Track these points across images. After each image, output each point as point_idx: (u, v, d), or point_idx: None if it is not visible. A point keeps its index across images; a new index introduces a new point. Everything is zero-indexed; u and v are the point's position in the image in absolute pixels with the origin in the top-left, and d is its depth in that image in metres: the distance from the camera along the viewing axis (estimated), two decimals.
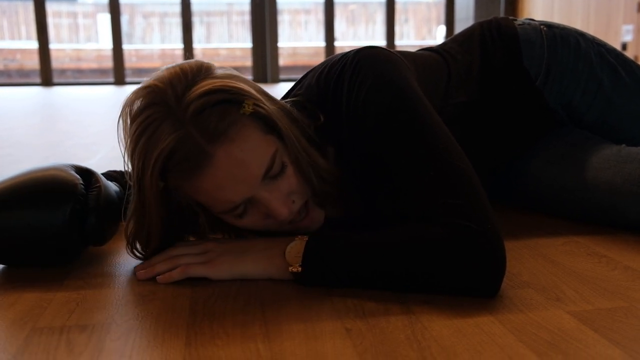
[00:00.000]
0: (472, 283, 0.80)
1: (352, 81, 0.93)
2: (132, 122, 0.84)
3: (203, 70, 0.86)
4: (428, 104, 0.92)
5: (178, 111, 0.81)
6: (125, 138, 0.86)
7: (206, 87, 0.82)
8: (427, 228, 0.81)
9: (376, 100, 0.90)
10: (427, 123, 0.88)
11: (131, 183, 0.88)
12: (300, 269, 0.84)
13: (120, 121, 0.87)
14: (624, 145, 1.14)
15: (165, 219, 0.87)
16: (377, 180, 0.94)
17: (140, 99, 0.84)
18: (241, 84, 0.85)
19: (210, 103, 0.81)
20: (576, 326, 0.73)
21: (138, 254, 0.93)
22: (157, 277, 0.89)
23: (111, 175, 1.21)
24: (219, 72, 0.87)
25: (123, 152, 0.88)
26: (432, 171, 0.84)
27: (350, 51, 0.97)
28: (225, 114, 0.81)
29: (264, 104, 0.86)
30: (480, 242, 0.79)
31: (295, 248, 0.85)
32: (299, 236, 0.86)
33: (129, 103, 0.86)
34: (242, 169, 0.82)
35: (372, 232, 0.84)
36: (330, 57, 1.03)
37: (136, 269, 0.92)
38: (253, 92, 0.86)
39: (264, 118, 0.85)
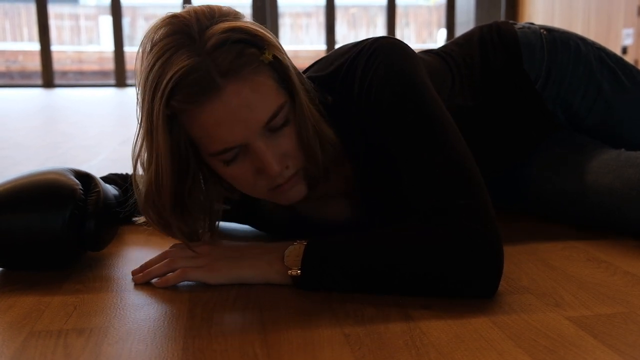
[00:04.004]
0: (471, 283, 0.81)
1: (367, 67, 0.92)
2: (151, 49, 0.83)
3: (232, 13, 0.85)
4: (440, 101, 0.92)
5: (198, 42, 0.80)
6: (141, 64, 0.85)
7: (231, 25, 0.81)
8: (428, 229, 0.81)
9: (390, 89, 0.89)
10: (437, 119, 0.89)
11: (139, 116, 0.85)
12: (299, 272, 0.84)
13: (140, 48, 0.85)
14: (623, 149, 1.14)
15: (173, 155, 0.85)
16: (383, 173, 0.94)
17: (164, 28, 0.83)
18: (267, 33, 0.85)
19: (231, 39, 0.80)
20: (575, 332, 0.73)
21: (154, 218, 0.89)
22: (154, 280, 0.89)
23: (111, 178, 1.21)
24: (249, 20, 0.87)
25: (136, 82, 0.86)
26: (438, 168, 0.84)
27: (368, 38, 0.96)
28: (244, 54, 0.80)
29: (284, 57, 0.86)
30: (481, 243, 0.80)
31: (294, 252, 0.85)
32: (298, 240, 0.86)
33: (153, 30, 0.84)
34: (247, 110, 0.81)
35: (373, 234, 0.84)
36: (339, 47, 1.02)
37: (133, 272, 0.92)
38: (276, 43, 0.85)
39: (281, 70, 0.85)
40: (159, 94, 0.80)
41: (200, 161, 0.90)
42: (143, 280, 0.90)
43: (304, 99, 0.88)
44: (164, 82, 0.80)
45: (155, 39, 0.83)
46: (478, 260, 0.80)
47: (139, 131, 0.86)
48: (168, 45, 0.81)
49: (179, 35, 0.81)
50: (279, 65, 0.84)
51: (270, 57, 0.83)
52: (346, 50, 0.97)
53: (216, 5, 0.86)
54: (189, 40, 0.80)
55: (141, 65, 0.84)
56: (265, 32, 0.85)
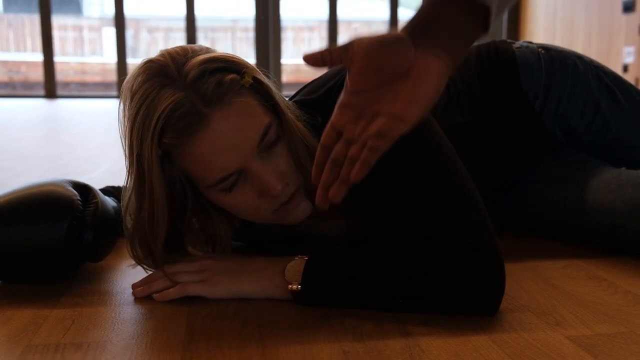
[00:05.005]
0: (473, 298, 0.81)
1: None
2: (132, 98, 0.84)
3: (204, 49, 0.87)
4: (434, 120, 0.92)
5: (178, 79, 0.82)
6: (124, 116, 0.86)
7: (206, 57, 0.83)
8: (432, 246, 0.82)
9: None
10: (433, 137, 0.89)
11: (128, 167, 0.86)
12: (299, 287, 0.83)
13: (121, 101, 0.87)
14: (623, 168, 1.13)
15: (169, 196, 0.85)
16: (378, 190, 0.94)
17: (142, 75, 0.84)
18: (243, 59, 0.87)
19: (210, 70, 0.82)
20: (575, 351, 0.72)
21: (143, 257, 0.90)
22: (154, 295, 0.89)
23: (108, 191, 1.21)
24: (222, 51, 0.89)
25: (121, 134, 0.87)
26: (435, 185, 0.85)
27: None
28: (225, 81, 0.82)
29: (264, 78, 0.88)
30: (482, 258, 0.80)
31: (295, 267, 0.85)
32: (299, 255, 0.86)
33: (132, 79, 0.85)
34: (238, 133, 0.82)
35: (373, 250, 0.84)
36: (330, 69, 1.03)
37: (133, 286, 0.92)
38: (254, 66, 0.87)
39: (262, 91, 0.87)
40: (148, 137, 0.81)
41: (199, 195, 0.90)
42: (143, 294, 0.89)
43: (289, 115, 0.89)
44: (152, 123, 0.81)
45: (134, 88, 0.84)
46: (480, 275, 0.80)
47: (129, 180, 0.87)
48: (149, 90, 0.82)
49: (158, 78, 0.83)
50: (260, 86, 0.86)
51: (250, 79, 0.85)
52: (337, 72, 0.98)
53: (187, 45, 0.88)
54: (169, 79, 0.82)
55: (124, 117, 0.86)
56: (240, 59, 0.87)
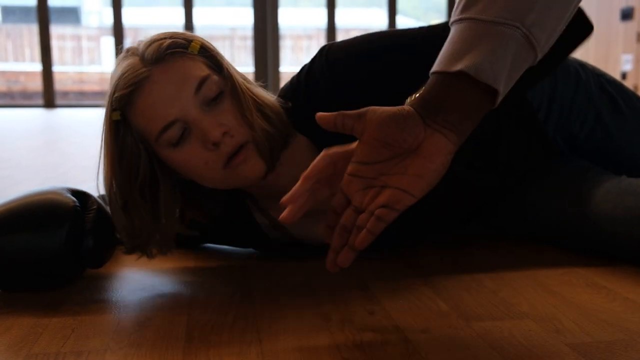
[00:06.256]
0: None
1: (329, 64, 0.98)
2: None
3: None
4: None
5: (136, 52, 0.93)
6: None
7: (160, 33, 0.95)
8: None
9: (362, 67, 0.96)
10: None
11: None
12: None
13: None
14: (624, 176, 1.14)
15: (119, 147, 0.93)
16: None
17: (118, 61, 0.95)
18: (195, 35, 0.96)
19: (157, 39, 0.93)
20: (575, 359, 0.72)
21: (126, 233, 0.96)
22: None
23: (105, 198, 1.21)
24: None
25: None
26: None
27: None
28: (169, 44, 0.91)
29: (213, 48, 0.96)
30: None
31: None
32: None
33: (115, 67, 0.96)
34: (175, 85, 0.89)
35: None
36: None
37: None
38: (204, 39, 0.96)
39: (210, 56, 0.94)
40: (108, 103, 0.92)
41: (153, 158, 0.94)
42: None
43: (236, 75, 0.96)
44: (112, 86, 0.92)
45: (114, 74, 0.94)
46: None
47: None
48: (117, 66, 0.94)
49: (125, 56, 0.94)
50: (207, 52, 0.94)
51: (197, 46, 0.93)
52: (301, 68, 1.04)
53: None
54: (131, 55, 0.93)
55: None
56: (192, 34, 0.96)
